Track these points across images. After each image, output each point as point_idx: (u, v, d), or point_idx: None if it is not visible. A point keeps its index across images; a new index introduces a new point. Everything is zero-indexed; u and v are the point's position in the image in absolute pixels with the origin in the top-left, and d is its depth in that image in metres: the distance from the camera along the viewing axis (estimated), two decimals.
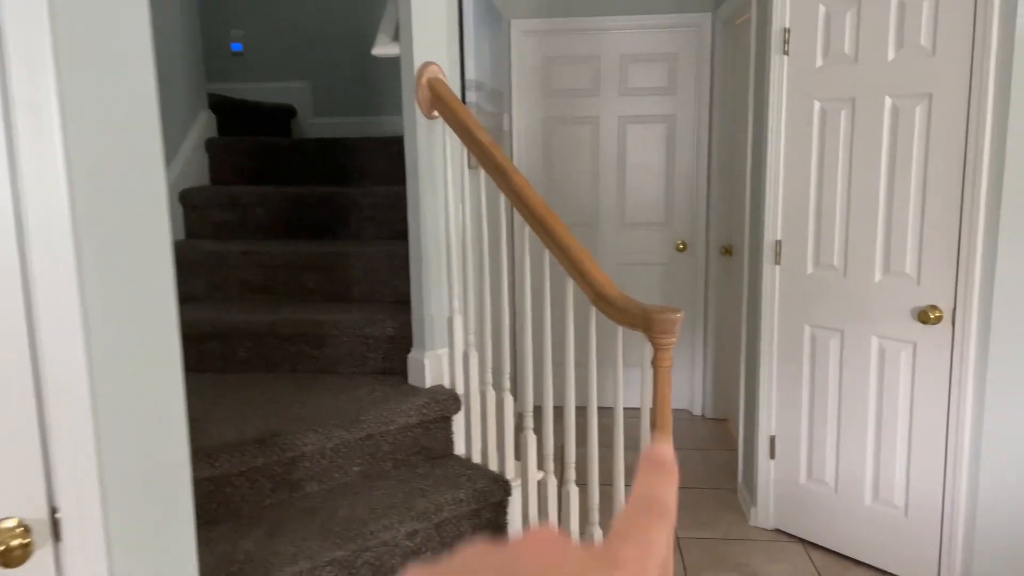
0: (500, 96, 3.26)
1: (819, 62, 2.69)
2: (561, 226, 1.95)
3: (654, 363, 1.74)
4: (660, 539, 0.27)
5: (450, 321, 2.33)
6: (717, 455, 3.76)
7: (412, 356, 2.40)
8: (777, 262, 2.87)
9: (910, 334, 2.55)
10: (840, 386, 2.76)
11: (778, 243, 2.86)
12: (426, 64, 2.25)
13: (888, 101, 2.53)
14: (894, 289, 2.57)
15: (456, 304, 2.32)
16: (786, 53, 2.77)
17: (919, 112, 2.46)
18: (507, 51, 3.98)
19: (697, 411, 4.33)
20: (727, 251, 4.07)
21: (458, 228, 2.31)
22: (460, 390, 2.34)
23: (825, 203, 2.72)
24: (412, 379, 2.41)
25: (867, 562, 2.74)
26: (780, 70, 2.79)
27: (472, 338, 2.30)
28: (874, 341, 2.65)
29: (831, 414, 2.80)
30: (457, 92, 2.50)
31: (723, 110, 4.04)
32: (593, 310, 1.90)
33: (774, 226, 2.87)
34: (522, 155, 4.17)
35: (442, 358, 2.39)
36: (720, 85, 4.02)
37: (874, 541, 2.72)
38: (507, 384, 2.23)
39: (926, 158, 2.45)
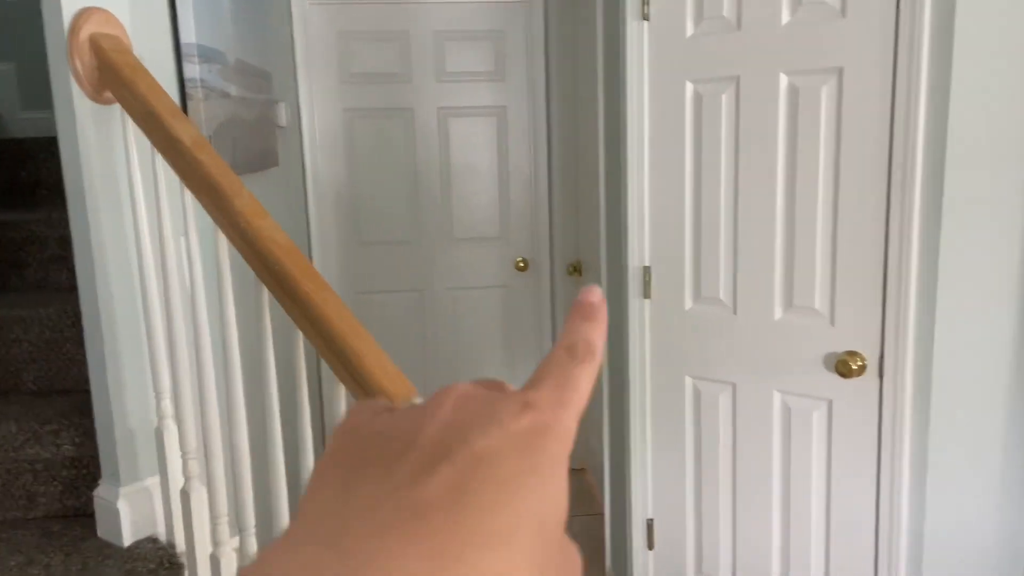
0: (268, 79, 2.36)
1: (690, 29, 2.01)
2: (316, 286, 1.11)
3: None
4: (582, 380, 0.26)
5: (159, 434, 1.42)
6: (578, 524, 3.05)
7: (100, 495, 1.47)
8: (646, 295, 2.18)
9: (824, 388, 1.93)
10: (734, 455, 2.11)
11: (646, 270, 2.17)
12: (85, 12, 1.33)
13: (784, 79, 1.89)
14: (800, 331, 1.94)
15: (167, 405, 1.42)
16: (646, 18, 2.07)
17: (826, 93, 1.83)
18: (287, 22, 3.07)
19: None
20: (576, 270, 3.38)
21: (162, 282, 1.41)
22: (183, 547, 1.44)
23: (706, 217, 2.05)
24: (104, 531, 1.48)
25: None
26: (639, 41, 2.09)
27: (196, 462, 1.41)
28: (776, 397, 2.01)
29: (724, 491, 2.14)
30: (165, 63, 1.58)
31: (564, 99, 3.34)
32: None
33: (640, 248, 2.17)
34: (316, 156, 3.26)
35: (152, 494, 1.48)
36: (558, 68, 3.32)
37: None
38: (253, 538, 1.36)
39: (837, 155, 1.83)
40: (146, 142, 1.31)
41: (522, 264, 3.45)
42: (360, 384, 1.04)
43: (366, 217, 3.36)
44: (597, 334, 0.28)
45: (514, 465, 0.23)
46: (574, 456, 3.56)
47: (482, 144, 3.39)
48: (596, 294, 0.29)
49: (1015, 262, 1.67)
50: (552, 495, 0.23)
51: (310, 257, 3.30)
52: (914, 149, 1.69)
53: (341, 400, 1.13)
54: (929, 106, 1.67)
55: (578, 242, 3.42)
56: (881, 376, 1.84)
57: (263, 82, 2.26)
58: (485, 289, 3.49)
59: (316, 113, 3.23)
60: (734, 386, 2.07)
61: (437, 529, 0.21)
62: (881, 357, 1.83)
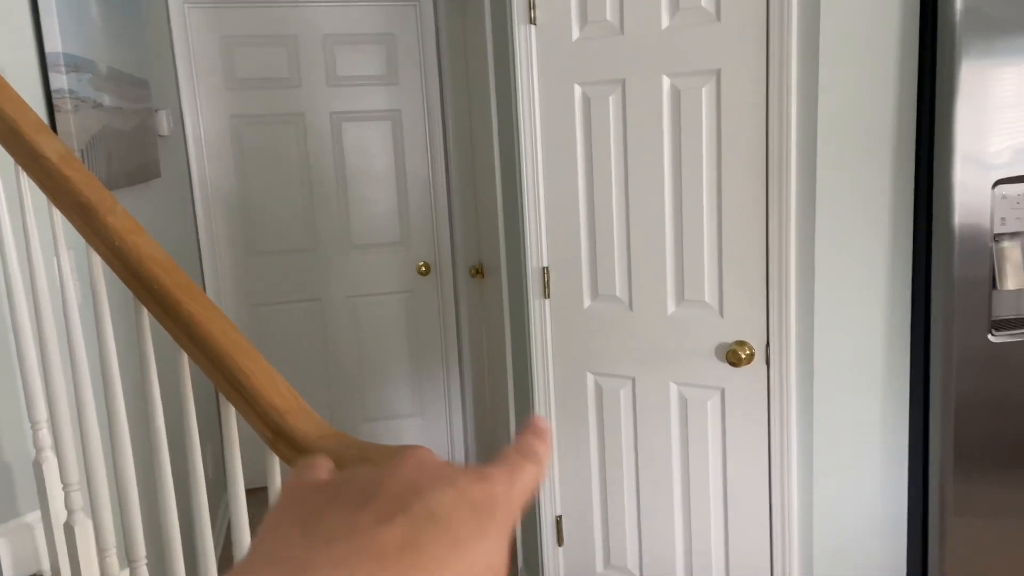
0: (146, 87, 2.26)
1: (576, 33, 2.05)
2: (199, 304, 1.07)
3: None
4: (530, 474, 0.29)
5: (38, 466, 1.34)
6: None
7: None
8: (546, 295, 2.21)
9: (716, 378, 2.01)
10: (636, 447, 2.17)
11: (545, 271, 2.20)
12: None
13: (666, 81, 1.95)
14: (692, 323, 2.01)
15: (45, 436, 1.34)
16: (533, 22, 2.10)
17: (706, 94, 1.90)
18: (165, 26, 2.95)
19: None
20: (478, 272, 3.39)
21: (33, 305, 1.33)
22: None
23: (599, 217, 2.09)
24: None
25: None
26: (527, 45, 2.12)
27: (80, 494, 1.34)
28: (673, 389, 2.08)
29: (628, 483, 2.20)
30: (28, 74, 1.49)
31: (458, 100, 3.34)
32: (275, 460, 1.05)
33: (538, 249, 2.20)
34: (203, 164, 3.15)
35: (34, 529, 1.39)
36: (451, 70, 3.32)
37: None
38: (144, 569, 1.30)
39: (719, 154, 1.91)
40: (10, 159, 1.23)
41: (424, 268, 3.44)
42: (250, 404, 1.01)
43: (259, 226, 3.27)
44: (544, 448, 0.32)
45: (465, 526, 0.25)
46: (487, 459, 3.58)
47: (377, 148, 3.36)
48: (545, 422, 0.34)
49: (884, 254, 1.78)
50: (495, 558, 0.26)
51: (200, 270, 3.19)
52: (788, 148, 1.78)
53: (232, 420, 1.09)
54: (800, 106, 1.76)
55: (480, 244, 3.43)
56: (768, 363, 1.93)
57: (140, 91, 2.16)
58: (387, 295, 3.46)
59: (201, 120, 3.12)
60: (633, 380, 2.13)
61: (394, 571, 0.23)
62: (767, 346, 1.92)
